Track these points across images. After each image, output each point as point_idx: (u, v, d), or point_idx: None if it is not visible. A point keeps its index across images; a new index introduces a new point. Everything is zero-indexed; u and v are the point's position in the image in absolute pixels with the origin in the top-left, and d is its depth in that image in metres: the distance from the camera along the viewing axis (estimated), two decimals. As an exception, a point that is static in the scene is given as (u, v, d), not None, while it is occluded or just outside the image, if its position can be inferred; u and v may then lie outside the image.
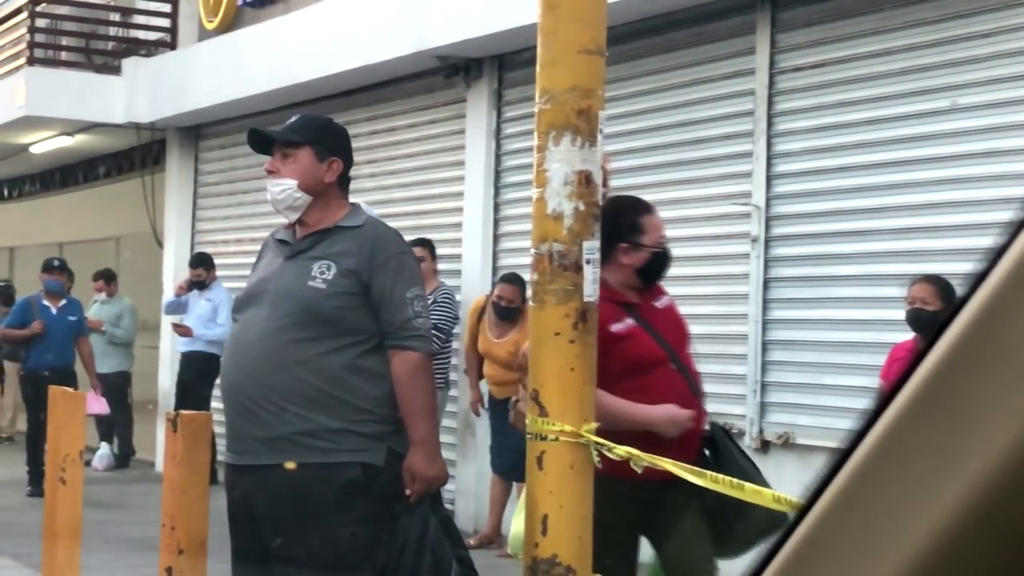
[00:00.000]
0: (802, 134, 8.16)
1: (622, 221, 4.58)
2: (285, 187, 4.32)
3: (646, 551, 4.65)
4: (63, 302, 12.53)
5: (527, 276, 4.50)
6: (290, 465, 4.07)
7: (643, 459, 3.78)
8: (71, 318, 12.53)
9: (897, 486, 0.94)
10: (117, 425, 14.17)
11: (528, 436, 3.77)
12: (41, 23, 15.28)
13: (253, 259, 12.61)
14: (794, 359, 8.17)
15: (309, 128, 4.44)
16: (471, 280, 10.21)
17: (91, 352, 12.73)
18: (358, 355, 4.15)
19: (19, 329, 12.34)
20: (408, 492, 4.13)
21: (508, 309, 9.29)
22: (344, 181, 4.43)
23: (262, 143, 4.47)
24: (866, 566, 0.96)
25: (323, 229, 4.31)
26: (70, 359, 12.44)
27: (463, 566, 4.19)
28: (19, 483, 11.38)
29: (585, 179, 3.77)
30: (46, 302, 12.40)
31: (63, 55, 16.02)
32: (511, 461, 9.28)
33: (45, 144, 15.85)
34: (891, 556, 0.94)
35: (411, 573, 4.07)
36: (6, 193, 20.14)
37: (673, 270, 8.85)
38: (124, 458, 14.15)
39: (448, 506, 9.75)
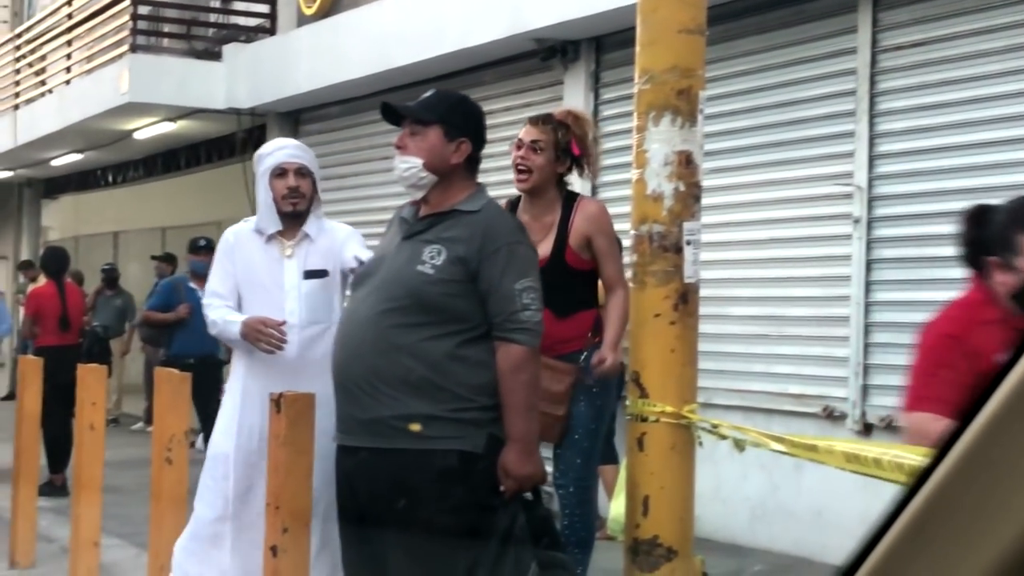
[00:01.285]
0: (905, 113, 8.06)
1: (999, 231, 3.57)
2: (410, 165, 4.24)
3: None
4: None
5: (625, 259, 4.49)
6: (415, 427, 4.02)
7: (750, 434, 3.77)
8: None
9: (994, 478, 0.94)
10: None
11: (628, 417, 3.77)
12: (143, 10, 15.48)
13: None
14: (898, 341, 8.07)
15: (441, 106, 4.35)
16: (569, 263, 10.19)
17: None
18: (461, 343, 4.08)
19: (163, 312, 11.61)
20: (502, 489, 4.07)
21: None
22: (472, 162, 4.33)
23: (393, 115, 4.41)
24: (964, 557, 0.96)
25: (442, 212, 4.23)
26: (216, 346, 11.36)
27: (547, 569, 4.13)
28: (123, 464, 11.57)
29: (685, 160, 3.76)
30: (193, 284, 11.45)
31: (165, 42, 16.24)
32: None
33: (148, 130, 16.07)
34: (987, 547, 0.94)
35: (490, 571, 4.03)
36: (110, 179, 20.46)
37: (775, 251, 8.85)
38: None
39: (547, 489, 9.79)
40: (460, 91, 11.57)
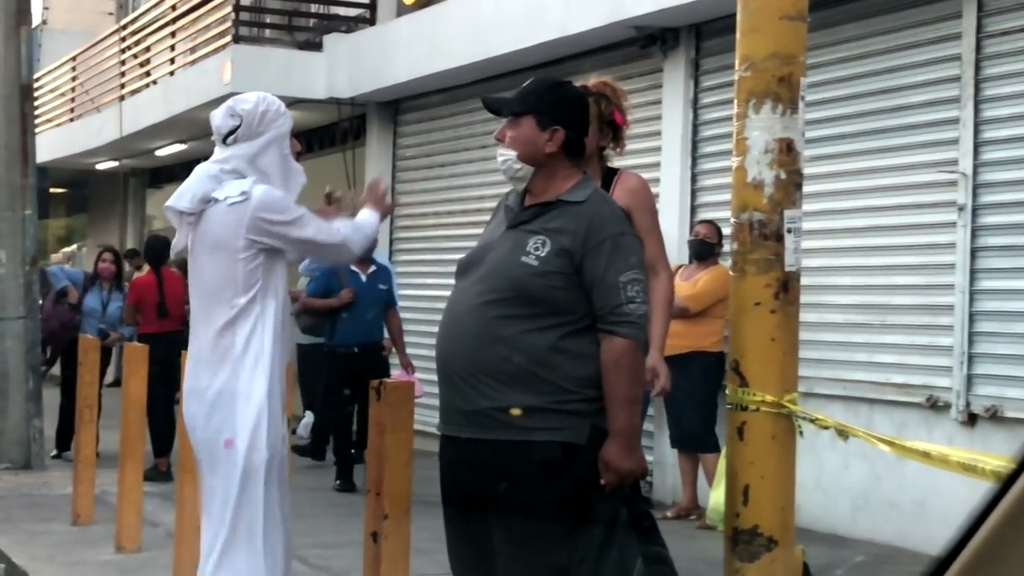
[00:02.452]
0: (1011, 99, 7.94)
1: None
2: (506, 157, 4.21)
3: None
4: (372, 268, 10.90)
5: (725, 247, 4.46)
6: (516, 411, 4.01)
7: (856, 433, 3.74)
8: (382, 287, 10.83)
9: None
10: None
11: (728, 407, 3.75)
12: (246, 1, 15.65)
13: (451, 232, 12.76)
14: (1003, 330, 7.97)
15: (533, 95, 4.29)
16: (668, 251, 10.13)
17: (401, 326, 11.06)
18: (564, 335, 4.04)
19: (323, 298, 10.80)
20: (603, 482, 4.04)
21: (703, 243, 9.29)
22: (572, 149, 4.25)
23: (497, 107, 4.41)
24: None
25: (547, 202, 4.18)
26: (380, 335, 10.90)
27: (651, 563, 4.10)
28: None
29: (786, 147, 3.73)
30: (355, 268, 10.66)
31: (267, 33, 16.41)
32: (688, 433, 9.24)
33: (250, 120, 16.22)
34: None
35: (594, 567, 4.00)
36: (212, 169, 20.69)
37: (877, 239, 8.76)
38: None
39: (647, 478, 9.77)
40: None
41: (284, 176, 4.85)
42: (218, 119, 4.82)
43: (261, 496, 4.68)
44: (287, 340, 4.97)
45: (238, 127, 4.77)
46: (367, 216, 5.14)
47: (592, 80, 5.40)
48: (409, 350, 11.12)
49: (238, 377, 4.70)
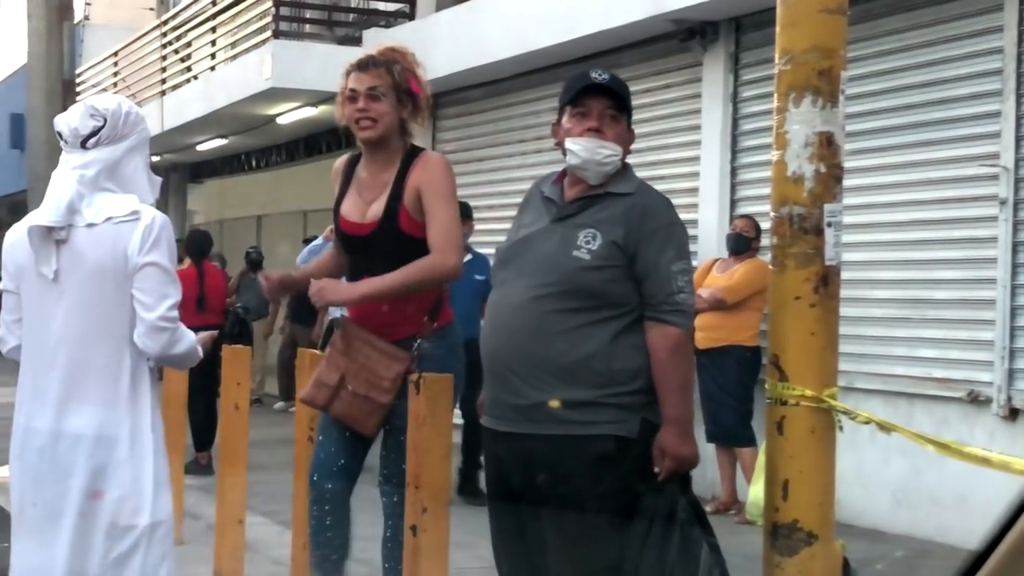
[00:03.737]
0: (1054, 92, 7.89)
1: None
2: (614, 154, 4.14)
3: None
4: (468, 257, 9.93)
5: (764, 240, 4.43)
6: (555, 403, 4.00)
7: (887, 426, 3.72)
8: (478, 277, 9.68)
9: None
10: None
11: (767, 401, 3.74)
12: (285, -3, 15.71)
13: (490, 226, 12.72)
14: (1045, 325, 7.93)
15: (629, 95, 4.27)
16: (707, 246, 10.14)
17: None
18: (618, 328, 4.04)
19: None
20: (656, 470, 4.03)
21: (740, 237, 9.26)
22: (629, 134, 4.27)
23: (580, 90, 4.21)
24: None
25: (594, 194, 4.16)
26: (477, 329, 9.79)
27: (712, 553, 4.06)
28: (266, 442, 11.76)
29: (826, 141, 3.71)
30: None
31: (307, 28, 16.45)
32: (724, 427, 9.20)
33: (290, 115, 16.30)
34: None
35: (658, 553, 3.98)
36: (254, 163, 20.80)
37: (918, 234, 8.71)
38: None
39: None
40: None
41: (150, 186, 4.27)
42: (75, 120, 4.17)
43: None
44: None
45: (100, 128, 4.16)
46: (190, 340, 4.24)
47: (377, 49, 5.15)
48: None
49: (126, 423, 4.11)
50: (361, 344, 4.93)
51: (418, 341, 4.91)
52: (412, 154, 5.00)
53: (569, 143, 4.16)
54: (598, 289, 4.04)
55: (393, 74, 4.96)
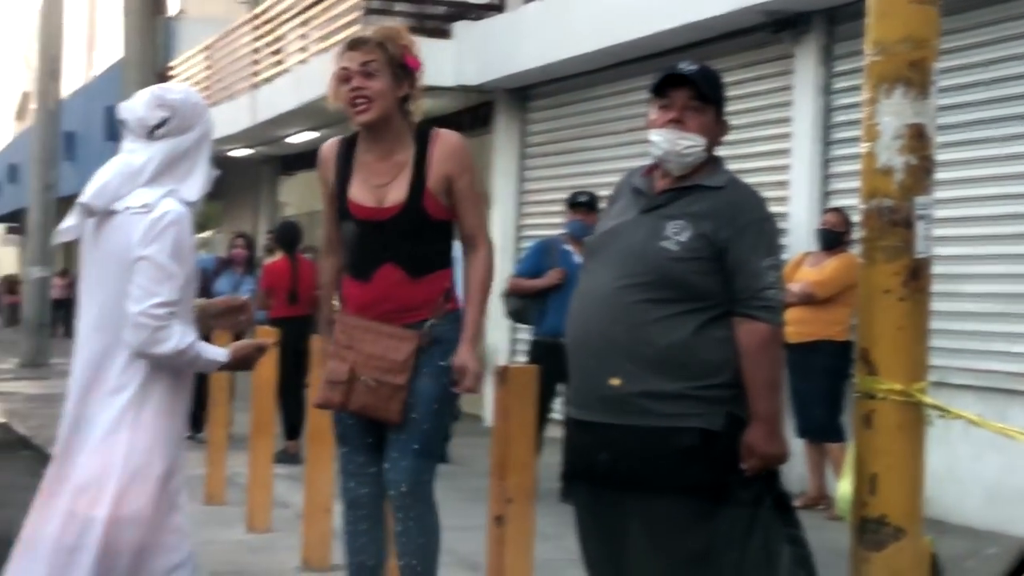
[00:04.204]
0: None
1: None
2: (695, 145, 4.12)
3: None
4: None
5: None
6: (615, 382, 4.02)
7: (977, 422, 3.68)
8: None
9: None
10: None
11: (856, 395, 3.71)
12: (376, -11, 15.79)
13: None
14: None
15: (717, 84, 4.23)
16: (798, 239, 10.07)
17: None
18: (704, 321, 4.03)
19: (533, 279, 9.64)
20: (744, 467, 4.03)
21: (831, 232, 9.17)
22: (722, 124, 4.26)
23: (663, 83, 4.20)
24: None
25: (684, 187, 4.14)
26: None
27: (795, 546, 4.06)
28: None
29: (918, 133, 3.68)
30: (568, 246, 9.62)
31: (397, 20, 16.52)
32: (813, 422, 9.13)
33: (380, 107, 16.35)
34: None
35: (740, 551, 3.97)
36: (343, 156, 20.90)
37: (1015, 227, 8.59)
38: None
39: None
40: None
41: (205, 179, 4.21)
42: (140, 110, 4.12)
43: None
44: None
45: (167, 119, 4.11)
46: (217, 352, 4.26)
47: (368, 30, 4.95)
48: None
49: (115, 412, 4.09)
50: (363, 333, 4.81)
51: (430, 321, 4.80)
52: (424, 133, 4.87)
53: (652, 135, 4.17)
54: (685, 280, 4.03)
55: (387, 49, 4.77)
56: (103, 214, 4.06)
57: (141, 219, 4.01)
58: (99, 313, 4.10)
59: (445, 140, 4.85)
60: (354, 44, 4.79)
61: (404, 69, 4.80)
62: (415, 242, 4.77)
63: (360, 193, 4.87)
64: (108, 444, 4.04)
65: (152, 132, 4.09)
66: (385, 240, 4.80)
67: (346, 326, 4.87)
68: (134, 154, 4.08)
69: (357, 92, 4.73)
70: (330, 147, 5.04)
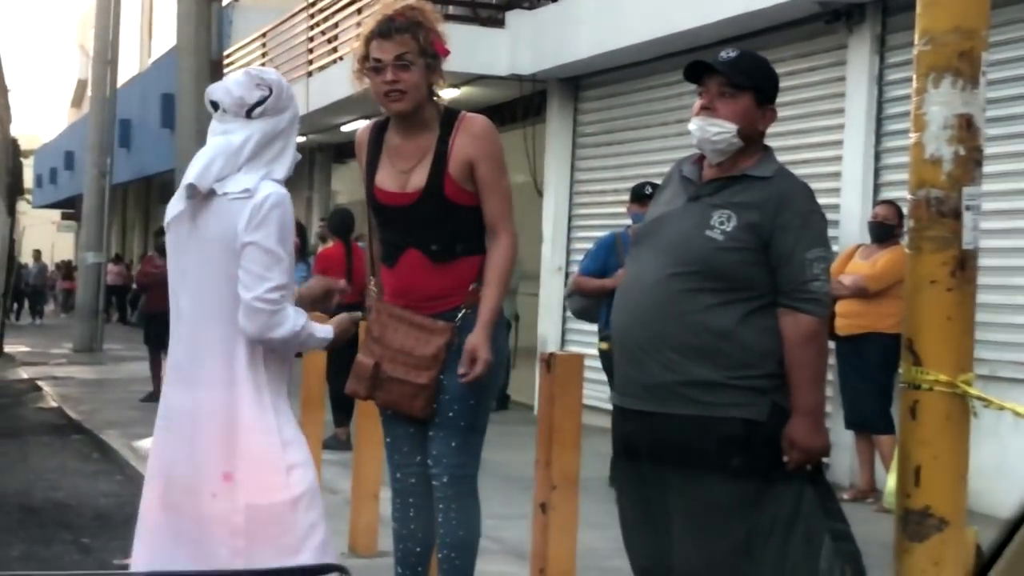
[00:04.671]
0: None
1: None
2: (723, 130, 4.11)
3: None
4: None
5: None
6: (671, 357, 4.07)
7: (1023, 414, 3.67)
8: None
9: None
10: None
11: (901, 385, 3.71)
12: (431, -21, 15.80)
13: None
14: None
15: (755, 71, 4.22)
16: (850, 231, 10.03)
17: None
18: (749, 310, 4.04)
19: (600, 278, 9.15)
20: (785, 459, 4.03)
21: (883, 225, 9.13)
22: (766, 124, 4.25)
23: (696, 72, 4.23)
24: None
25: (731, 176, 4.15)
26: None
27: (838, 540, 4.04)
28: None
29: (966, 123, 3.67)
30: None
31: (450, 9, 16.55)
32: (863, 414, 9.09)
33: (433, 96, 16.39)
34: None
35: (781, 544, 3.97)
36: (396, 144, 20.96)
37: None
38: (503, 400, 14.61)
39: (824, 459, 9.65)
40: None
41: (293, 161, 4.17)
42: (238, 90, 4.07)
43: None
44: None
45: (267, 98, 4.07)
46: (324, 329, 4.24)
47: (395, 9, 4.81)
48: (583, 325, 11.07)
49: (241, 400, 4.02)
50: (397, 323, 4.75)
51: (462, 311, 4.71)
52: (450, 117, 4.80)
53: (690, 123, 4.19)
54: (730, 270, 4.04)
55: (419, 39, 4.71)
56: (201, 197, 4.01)
57: (243, 204, 3.98)
58: (199, 300, 4.05)
59: (469, 124, 4.78)
60: (385, 32, 4.70)
61: (435, 57, 4.76)
62: (438, 228, 4.71)
63: (386, 178, 4.86)
64: (263, 433, 3.99)
65: (251, 111, 4.05)
66: (409, 225, 4.77)
67: (380, 314, 4.85)
68: (232, 134, 4.04)
69: (391, 86, 4.68)
70: (364, 131, 5.04)
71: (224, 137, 4.05)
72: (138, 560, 4.11)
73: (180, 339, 4.10)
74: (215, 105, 4.09)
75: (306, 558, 3.93)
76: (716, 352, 4.02)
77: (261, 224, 3.95)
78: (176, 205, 4.08)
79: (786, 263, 4.04)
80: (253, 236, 3.94)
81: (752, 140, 4.18)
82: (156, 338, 14.72)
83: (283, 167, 4.11)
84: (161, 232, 16.10)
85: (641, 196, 9.24)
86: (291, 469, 4.00)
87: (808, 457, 4.04)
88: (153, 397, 14.69)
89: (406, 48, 4.67)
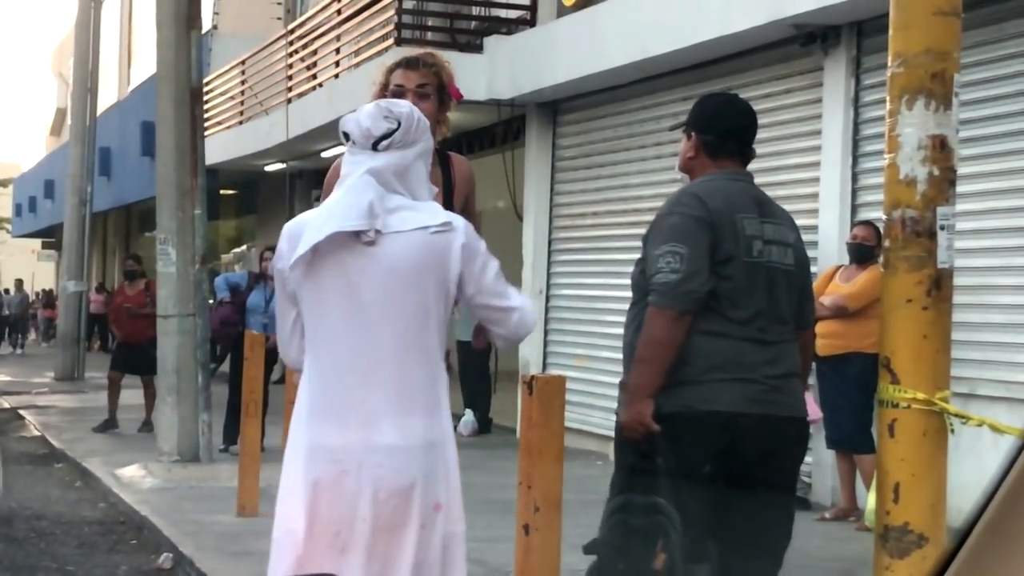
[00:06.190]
0: None
1: None
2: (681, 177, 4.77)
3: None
4: None
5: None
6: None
7: (1000, 428, 3.70)
8: None
9: None
10: (477, 393, 14.64)
11: (879, 403, 3.74)
12: (408, 4, 15.87)
13: (610, 232, 12.72)
14: None
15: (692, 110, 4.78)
16: (827, 251, 10.07)
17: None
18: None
19: None
20: None
21: (861, 247, 9.17)
22: (708, 148, 4.59)
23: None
24: None
25: None
26: None
27: (653, 513, 4.35)
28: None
29: (940, 144, 3.71)
30: None
31: (428, 35, 16.61)
32: (844, 434, 9.12)
33: (412, 122, 16.42)
34: None
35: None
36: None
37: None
38: (485, 424, 14.63)
39: (805, 479, 9.68)
40: (717, 79, 11.55)
41: (428, 196, 4.09)
42: (367, 121, 4.02)
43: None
44: None
45: (394, 131, 4.00)
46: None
47: (421, 51, 5.13)
48: (564, 348, 11.13)
49: (443, 430, 3.99)
50: None
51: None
52: (443, 154, 4.99)
53: None
54: (636, 281, 4.55)
55: (440, 77, 4.94)
56: (374, 235, 3.90)
57: (449, 237, 3.95)
58: (399, 333, 3.91)
59: (461, 164, 5.10)
60: (411, 64, 4.92)
61: (448, 97, 4.99)
62: None
63: None
64: (451, 459, 3.98)
65: (377, 143, 4.00)
66: None
67: None
68: (361, 166, 3.98)
69: None
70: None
71: (359, 174, 3.97)
72: None
73: (365, 374, 3.91)
74: (347, 136, 4.07)
75: None
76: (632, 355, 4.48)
77: (477, 244, 4.01)
78: (304, 248, 3.90)
79: (648, 264, 4.45)
80: (482, 257, 4.00)
81: (690, 169, 4.68)
82: (124, 364, 14.80)
83: (428, 193, 4.10)
84: (131, 258, 15.90)
85: None
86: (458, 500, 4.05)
87: (624, 428, 4.41)
88: (108, 425, 14.66)
89: (428, 80, 4.92)
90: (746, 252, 4.38)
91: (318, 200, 4.21)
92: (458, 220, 4.03)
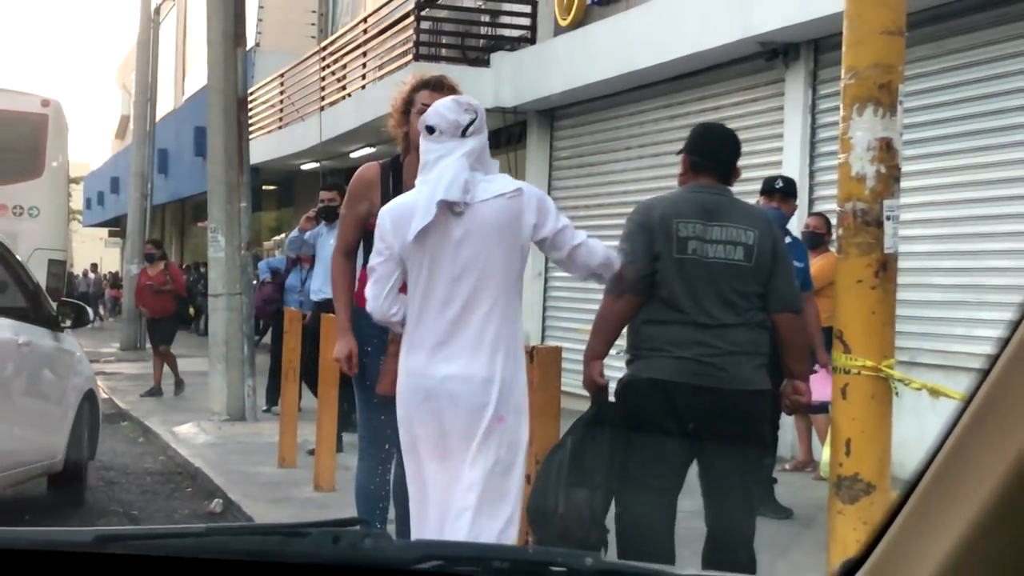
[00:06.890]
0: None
1: None
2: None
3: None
4: (788, 240, 7.15)
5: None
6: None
7: (937, 390, 3.71)
8: (797, 264, 6.88)
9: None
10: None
11: (834, 370, 3.75)
12: (425, 25, 15.83)
13: (602, 222, 12.75)
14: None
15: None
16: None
17: (816, 316, 7.24)
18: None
19: None
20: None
21: (814, 235, 9.15)
22: (693, 166, 4.64)
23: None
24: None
25: None
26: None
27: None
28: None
29: (886, 145, 3.71)
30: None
31: (443, 51, 16.58)
32: None
33: (428, 127, 16.40)
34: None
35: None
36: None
37: (975, 228, 8.54)
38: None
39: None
40: (693, 90, 11.50)
41: (496, 169, 4.35)
42: (452, 114, 4.23)
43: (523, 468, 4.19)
44: None
45: (474, 120, 4.25)
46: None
47: (441, 75, 5.12)
48: (560, 323, 11.07)
49: (518, 366, 4.20)
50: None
51: None
52: None
53: None
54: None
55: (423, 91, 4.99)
56: (462, 205, 4.15)
57: (521, 200, 4.20)
58: (487, 281, 4.15)
59: None
60: (437, 86, 4.93)
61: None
62: None
63: None
64: (522, 384, 4.20)
65: (465, 130, 4.22)
66: None
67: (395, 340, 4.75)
68: (454, 152, 4.19)
69: None
70: (372, 171, 5.01)
71: (453, 157, 4.19)
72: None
73: (459, 316, 4.14)
74: (431, 129, 4.23)
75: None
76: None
77: (549, 207, 4.28)
78: (427, 218, 4.14)
79: None
80: (553, 216, 4.27)
81: (682, 184, 4.73)
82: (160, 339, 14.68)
83: (496, 167, 4.35)
84: (150, 243, 15.67)
85: (771, 190, 8.34)
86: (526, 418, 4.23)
87: (584, 386, 4.45)
88: (154, 392, 14.53)
89: None
90: (679, 250, 4.36)
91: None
92: (527, 185, 4.30)
